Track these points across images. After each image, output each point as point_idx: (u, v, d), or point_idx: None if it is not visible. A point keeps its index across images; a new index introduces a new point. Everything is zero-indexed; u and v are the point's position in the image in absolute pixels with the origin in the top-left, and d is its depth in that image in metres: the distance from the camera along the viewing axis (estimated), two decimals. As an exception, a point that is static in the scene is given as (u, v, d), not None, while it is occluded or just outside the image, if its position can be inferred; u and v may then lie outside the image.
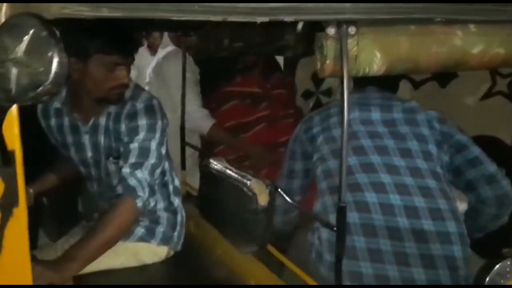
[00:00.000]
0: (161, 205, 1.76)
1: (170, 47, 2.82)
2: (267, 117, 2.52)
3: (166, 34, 3.18)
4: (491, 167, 1.46)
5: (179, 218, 1.80)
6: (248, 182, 1.59)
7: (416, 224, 1.27)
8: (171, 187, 1.80)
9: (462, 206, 1.53)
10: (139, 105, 1.59)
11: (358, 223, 1.29)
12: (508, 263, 1.30)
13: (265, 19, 0.93)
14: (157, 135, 1.56)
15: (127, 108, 1.60)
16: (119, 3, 0.78)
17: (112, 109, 1.63)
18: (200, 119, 2.50)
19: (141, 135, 1.54)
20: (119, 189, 1.49)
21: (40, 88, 0.75)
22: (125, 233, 1.53)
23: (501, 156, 1.56)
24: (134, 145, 1.53)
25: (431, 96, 2.27)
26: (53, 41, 0.74)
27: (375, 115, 1.50)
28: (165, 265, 1.79)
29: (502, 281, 1.29)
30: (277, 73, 2.83)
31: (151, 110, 1.59)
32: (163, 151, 1.60)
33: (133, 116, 1.57)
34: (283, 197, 1.52)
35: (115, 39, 1.53)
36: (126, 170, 1.50)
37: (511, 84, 1.98)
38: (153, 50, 3.79)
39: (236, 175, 1.68)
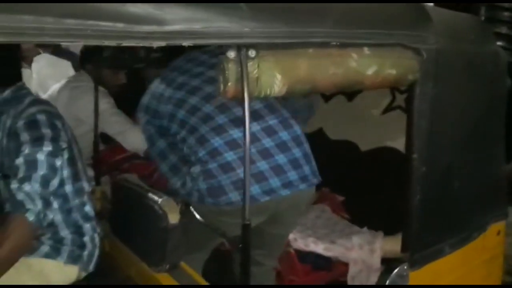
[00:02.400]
0: (65, 232, 1.67)
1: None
2: None
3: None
4: None
5: (86, 239, 1.72)
6: (159, 200, 1.58)
7: (276, 140, 1.77)
8: (78, 215, 1.70)
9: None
10: (20, 122, 1.50)
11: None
12: (405, 267, 1.48)
13: (162, 43, 0.93)
14: (45, 147, 1.47)
15: (8, 126, 1.53)
16: None
17: (5, 122, 1.54)
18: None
19: (26, 150, 1.45)
20: (8, 207, 1.41)
21: None
22: (24, 252, 1.44)
23: (399, 166, 1.67)
24: (20, 160, 1.44)
25: (339, 108, 2.40)
26: None
27: None
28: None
29: (400, 282, 1.47)
30: None
31: (33, 125, 1.50)
32: (58, 163, 1.49)
33: (14, 134, 1.49)
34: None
35: None
36: (14, 185, 1.41)
37: (408, 99, 2.13)
38: (27, 61, 3.45)
39: (147, 193, 1.66)
